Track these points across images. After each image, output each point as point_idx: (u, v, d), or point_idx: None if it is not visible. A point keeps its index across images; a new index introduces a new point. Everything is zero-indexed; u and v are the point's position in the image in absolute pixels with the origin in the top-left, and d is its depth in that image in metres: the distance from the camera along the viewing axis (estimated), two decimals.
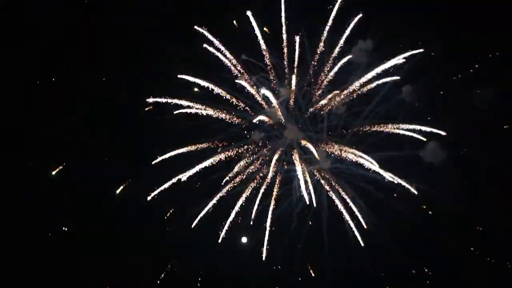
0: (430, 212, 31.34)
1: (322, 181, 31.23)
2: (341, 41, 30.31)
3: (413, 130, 29.79)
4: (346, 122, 31.22)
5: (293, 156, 30.80)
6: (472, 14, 30.34)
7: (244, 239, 32.71)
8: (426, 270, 32.30)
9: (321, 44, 30.49)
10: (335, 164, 31.15)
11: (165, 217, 33.46)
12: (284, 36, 30.42)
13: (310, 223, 31.76)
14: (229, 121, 31.11)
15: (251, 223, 31.49)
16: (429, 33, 30.50)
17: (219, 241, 31.57)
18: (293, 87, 30.45)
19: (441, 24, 30.75)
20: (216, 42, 30.67)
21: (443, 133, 29.12)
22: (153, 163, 31.34)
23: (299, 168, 30.12)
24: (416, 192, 29.36)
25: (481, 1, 29.93)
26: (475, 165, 30.12)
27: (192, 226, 31.49)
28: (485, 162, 29.73)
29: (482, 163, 29.43)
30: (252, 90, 30.62)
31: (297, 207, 31.27)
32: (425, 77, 29.93)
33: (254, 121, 30.40)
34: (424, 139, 29.48)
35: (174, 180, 31.09)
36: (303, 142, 30.90)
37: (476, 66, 30.60)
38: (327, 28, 30.42)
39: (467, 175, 29.55)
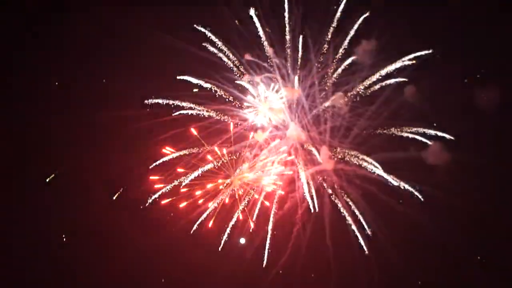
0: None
1: (325, 184, 30.84)
2: (346, 42, 30.15)
3: (416, 132, 29.57)
4: (349, 123, 30.88)
5: (295, 158, 30.38)
6: (477, 16, 30.19)
7: (242, 240, 32.10)
8: (432, 278, 31.60)
9: (325, 45, 30.29)
10: (339, 165, 30.76)
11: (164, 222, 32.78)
12: (287, 37, 30.21)
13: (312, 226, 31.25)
14: (231, 122, 30.74)
15: (251, 230, 31.30)
16: (433, 34, 30.37)
17: (220, 248, 31.24)
18: (296, 87, 30.13)
19: (444, 25, 30.57)
20: (219, 43, 30.50)
21: (448, 136, 28.89)
22: (150, 167, 31.09)
23: (302, 172, 29.75)
24: (421, 198, 28.98)
25: (487, 2, 29.77)
26: (479, 167, 29.63)
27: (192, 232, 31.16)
28: (490, 165, 29.23)
29: (487, 166, 28.86)
30: (255, 91, 30.31)
31: (300, 210, 30.88)
32: (429, 78, 29.67)
33: (257, 122, 29.98)
34: (428, 142, 29.26)
35: (175, 182, 30.76)
36: (306, 144, 30.54)
37: (482, 70, 30.45)
38: (331, 28, 30.26)
39: (471, 178, 29.00)
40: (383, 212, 29.76)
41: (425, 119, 29.44)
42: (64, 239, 34.04)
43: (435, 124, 29.30)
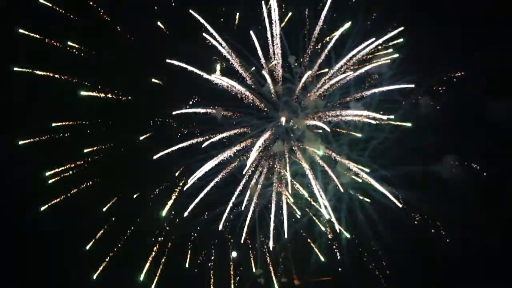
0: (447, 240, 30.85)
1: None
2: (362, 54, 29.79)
3: (434, 146, 29.51)
4: (367, 135, 30.53)
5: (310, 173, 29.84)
6: (488, 31, 30.40)
7: (234, 254, 31.46)
8: None
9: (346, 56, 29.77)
10: (355, 178, 30.43)
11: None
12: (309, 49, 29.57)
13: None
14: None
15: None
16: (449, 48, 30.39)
17: None
18: (315, 97, 29.58)
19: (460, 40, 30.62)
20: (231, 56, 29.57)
21: (464, 150, 29.05)
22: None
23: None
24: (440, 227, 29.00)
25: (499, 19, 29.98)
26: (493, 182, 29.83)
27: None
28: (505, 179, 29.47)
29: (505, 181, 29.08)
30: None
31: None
32: (447, 92, 29.77)
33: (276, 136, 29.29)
34: (446, 156, 29.32)
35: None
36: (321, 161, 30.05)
37: (495, 81, 30.63)
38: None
39: (489, 193, 29.15)
40: (399, 229, 29.71)
41: (444, 133, 29.48)
42: None
43: (453, 138, 29.39)
